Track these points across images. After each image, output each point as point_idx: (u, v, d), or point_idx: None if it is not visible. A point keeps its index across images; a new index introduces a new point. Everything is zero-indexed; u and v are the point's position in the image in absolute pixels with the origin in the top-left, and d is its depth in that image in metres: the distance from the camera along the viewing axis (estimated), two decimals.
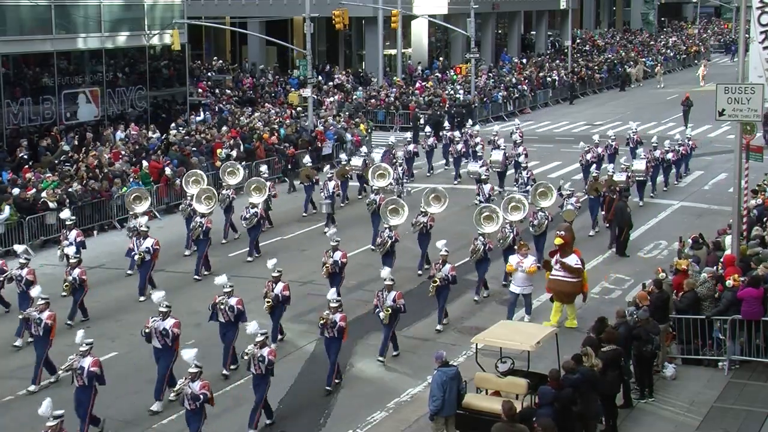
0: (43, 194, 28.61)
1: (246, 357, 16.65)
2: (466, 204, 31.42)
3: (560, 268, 21.08)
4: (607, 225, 28.04)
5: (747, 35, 22.48)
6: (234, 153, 35.39)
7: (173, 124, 38.73)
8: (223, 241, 28.37)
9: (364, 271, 24.93)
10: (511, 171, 34.21)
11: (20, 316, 19.35)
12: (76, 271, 21.39)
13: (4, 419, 17.45)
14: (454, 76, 59.98)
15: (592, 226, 28.98)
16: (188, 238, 27.04)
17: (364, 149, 36.40)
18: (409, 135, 39.32)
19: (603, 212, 28.37)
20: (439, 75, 61.00)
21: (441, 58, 67.95)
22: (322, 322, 18.08)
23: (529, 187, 28.57)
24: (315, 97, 46.00)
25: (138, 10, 40.17)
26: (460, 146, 37.31)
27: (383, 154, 35.54)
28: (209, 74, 54.43)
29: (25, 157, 32.63)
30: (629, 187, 29.80)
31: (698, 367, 19.14)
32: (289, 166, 36.11)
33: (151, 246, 23.38)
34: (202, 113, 42.91)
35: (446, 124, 41.46)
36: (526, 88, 57.73)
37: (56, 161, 32.46)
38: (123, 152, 33.98)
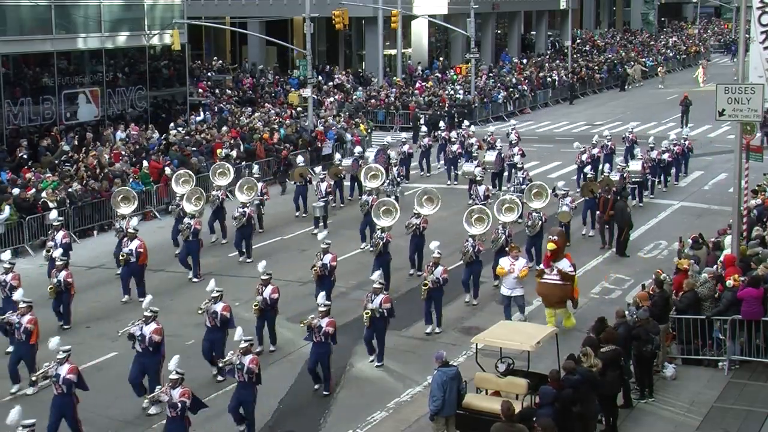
0: (43, 194, 28.61)
1: (227, 365, 16.43)
2: (463, 205, 31.32)
3: (554, 273, 20.85)
4: (606, 226, 27.63)
5: (747, 35, 22.48)
6: (234, 153, 35.39)
7: (172, 124, 38.73)
8: (223, 241, 28.20)
9: (364, 272, 24.82)
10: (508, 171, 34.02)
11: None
12: (62, 274, 21.01)
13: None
14: (454, 76, 59.97)
15: (587, 227, 28.82)
16: (174, 238, 26.80)
17: (357, 149, 36.23)
18: (404, 135, 38.92)
19: (599, 213, 28.00)
20: (439, 75, 61.02)
21: (441, 58, 67.97)
22: (302, 325, 17.90)
23: (524, 187, 28.39)
24: (315, 97, 45.99)
25: (138, 10, 40.16)
26: (455, 147, 37.01)
27: (376, 155, 35.27)
28: (209, 74, 54.42)
29: (25, 157, 32.63)
30: (625, 187, 29.64)
31: (698, 367, 19.12)
32: (282, 168, 35.87)
33: (135, 249, 22.90)
34: (202, 113, 42.90)
35: (441, 124, 41.26)
36: (526, 88, 57.75)
37: (56, 161, 32.46)
38: (123, 152, 33.98)
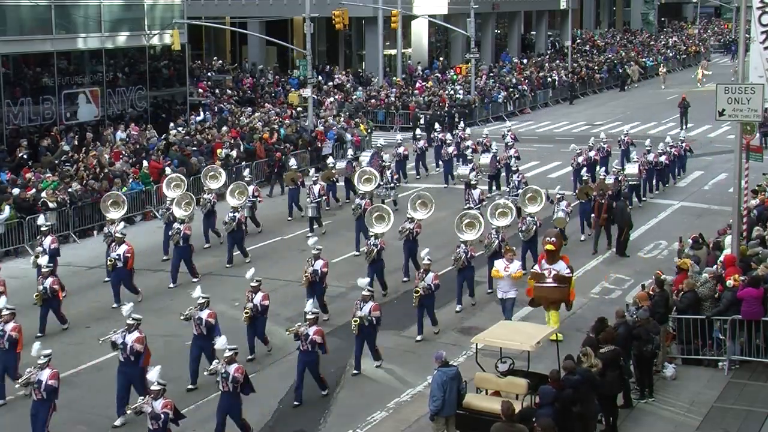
0: (43, 194, 28.60)
1: (211, 373, 16.28)
2: (459, 208, 31.18)
3: (551, 277, 20.72)
4: (603, 228, 27.41)
5: (747, 35, 22.47)
6: (234, 153, 35.38)
7: (172, 124, 38.74)
8: (206, 246, 27.75)
9: (363, 273, 24.75)
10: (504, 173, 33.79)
11: None
12: (49, 281, 20.61)
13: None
14: (454, 76, 59.97)
15: (582, 231, 28.48)
16: (165, 244, 26.45)
17: (350, 152, 36.00)
18: (400, 136, 38.63)
19: (594, 216, 27.66)
20: (439, 75, 61.03)
21: (441, 58, 68.00)
22: (288, 333, 17.73)
23: (519, 191, 28.17)
24: (315, 97, 46.00)
25: (138, 10, 40.19)
26: (451, 149, 36.73)
27: (371, 158, 35.09)
28: (209, 74, 54.45)
29: (25, 157, 32.63)
30: (621, 189, 29.51)
31: (698, 367, 19.11)
32: (276, 170, 35.64)
33: (123, 254, 22.60)
34: (202, 113, 42.93)
35: (437, 126, 41.05)
36: (526, 88, 57.77)
37: (56, 161, 32.47)
38: (123, 152, 33.98)
